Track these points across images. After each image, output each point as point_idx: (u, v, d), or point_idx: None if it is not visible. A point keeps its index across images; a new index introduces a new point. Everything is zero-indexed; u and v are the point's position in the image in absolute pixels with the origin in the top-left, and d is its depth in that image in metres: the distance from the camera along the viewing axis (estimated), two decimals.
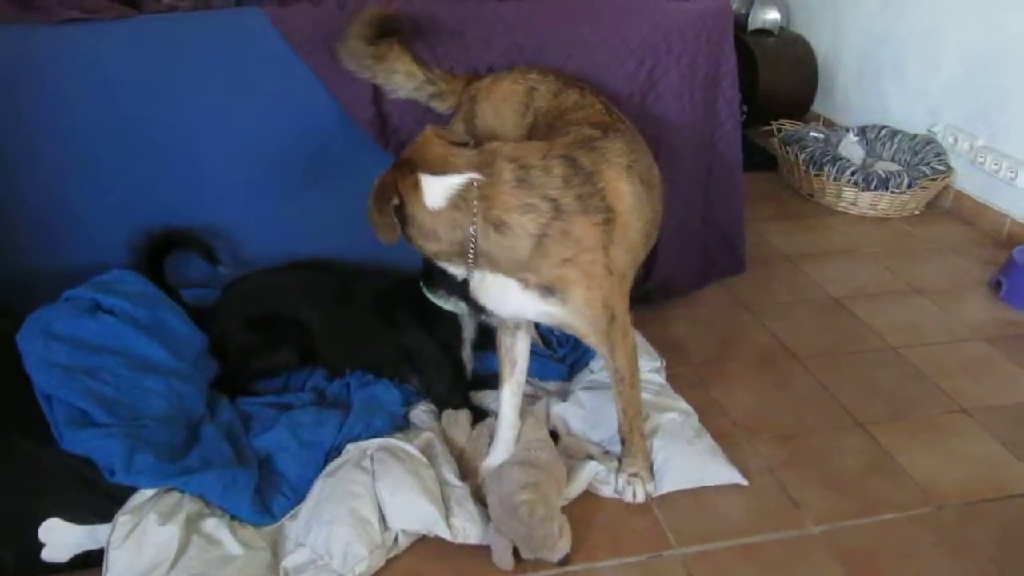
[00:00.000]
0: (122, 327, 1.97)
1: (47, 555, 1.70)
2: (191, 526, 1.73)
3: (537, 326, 2.31)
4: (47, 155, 2.15)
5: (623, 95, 2.28)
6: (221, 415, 2.03)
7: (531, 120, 1.97)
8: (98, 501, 1.74)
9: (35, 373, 1.86)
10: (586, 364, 2.34)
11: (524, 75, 2.04)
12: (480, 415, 2.12)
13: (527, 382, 2.09)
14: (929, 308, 2.86)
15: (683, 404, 2.21)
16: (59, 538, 1.71)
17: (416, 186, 1.66)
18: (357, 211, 1.75)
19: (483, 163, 1.67)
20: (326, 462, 1.94)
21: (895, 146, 3.78)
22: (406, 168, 1.68)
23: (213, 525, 1.76)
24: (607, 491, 1.98)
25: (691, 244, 2.60)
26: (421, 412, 2.15)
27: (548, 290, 1.72)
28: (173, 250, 2.24)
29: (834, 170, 3.52)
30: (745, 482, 2.01)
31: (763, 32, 4.49)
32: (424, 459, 1.92)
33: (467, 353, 2.23)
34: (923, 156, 3.61)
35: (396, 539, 1.79)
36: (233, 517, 1.80)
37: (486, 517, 1.82)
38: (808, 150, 3.64)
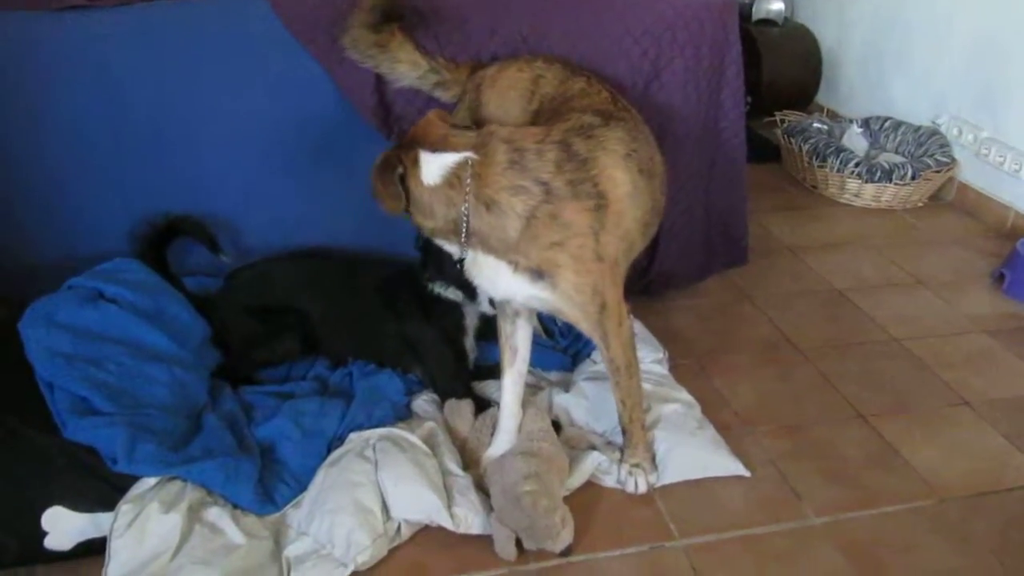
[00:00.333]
0: (124, 315, 1.97)
1: (50, 543, 1.70)
2: (193, 515, 1.73)
3: (540, 316, 2.31)
4: (49, 143, 2.14)
5: (627, 84, 2.27)
6: (223, 404, 2.03)
7: (536, 106, 1.96)
8: (101, 489, 1.74)
9: (37, 361, 1.86)
10: (588, 354, 2.33)
11: (530, 63, 2.03)
12: (483, 405, 2.12)
13: (529, 372, 2.09)
14: (932, 300, 2.85)
15: (685, 395, 2.21)
16: (62, 526, 1.71)
17: (416, 161, 1.72)
18: (360, 199, 1.76)
19: (479, 143, 1.71)
20: (328, 451, 1.94)
21: (899, 138, 3.76)
22: (408, 145, 1.74)
23: (215, 514, 1.76)
24: (609, 482, 1.98)
25: (694, 235, 2.60)
26: (423, 402, 2.15)
27: (537, 273, 1.73)
28: (175, 238, 2.23)
29: (837, 161, 3.51)
30: (747, 473, 2.01)
31: (767, 22, 4.47)
32: (427, 449, 1.92)
33: (470, 342, 2.23)
34: (927, 148, 3.60)
35: (399, 529, 1.79)
36: (235, 506, 1.80)
37: (488, 507, 1.83)
38: (811, 141, 3.63)
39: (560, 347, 2.41)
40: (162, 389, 1.90)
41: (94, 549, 1.71)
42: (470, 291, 2.06)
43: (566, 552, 1.77)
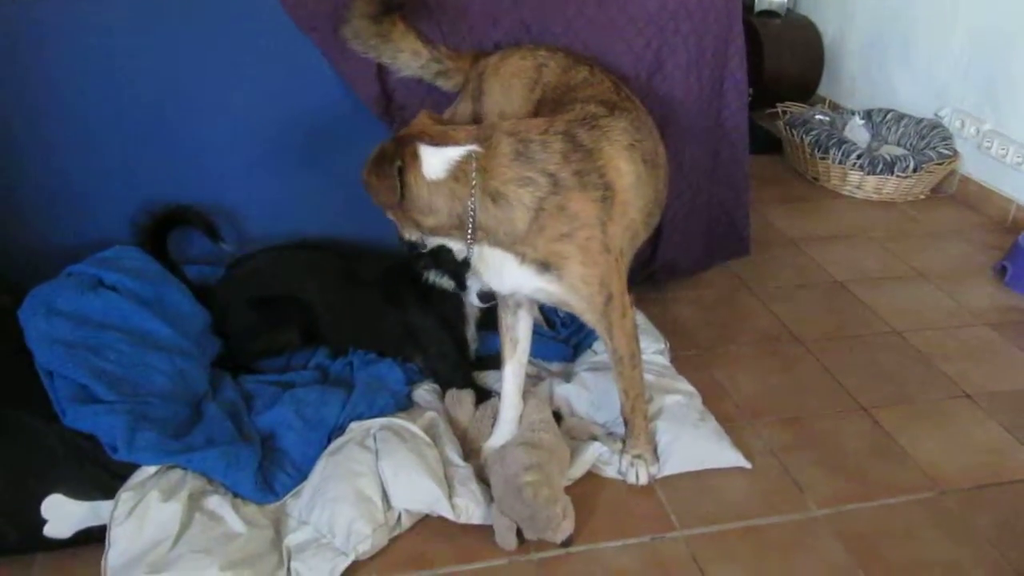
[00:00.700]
0: (125, 303, 1.96)
1: (49, 531, 1.70)
2: (194, 503, 1.73)
3: (541, 307, 2.30)
4: (49, 130, 2.14)
5: (630, 74, 2.26)
6: (224, 393, 2.03)
7: (539, 95, 1.95)
8: (101, 477, 1.74)
9: (37, 349, 1.86)
10: (590, 345, 2.33)
11: (532, 52, 2.02)
12: (484, 395, 2.12)
13: (530, 363, 2.09)
14: (933, 293, 2.85)
15: (687, 386, 2.20)
16: (62, 514, 1.71)
17: (415, 156, 1.67)
18: (362, 190, 1.74)
19: (482, 136, 1.69)
20: (329, 441, 1.94)
21: (901, 130, 3.75)
22: (405, 140, 1.70)
23: (216, 502, 1.76)
24: (610, 472, 1.98)
25: (696, 226, 2.59)
26: (424, 392, 2.14)
27: (544, 265, 1.72)
28: (176, 227, 2.22)
29: (839, 153, 3.50)
30: (748, 465, 2.01)
31: (769, 13, 4.45)
32: (427, 439, 1.92)
33: (471, 332, 2.23)
34: (929, 140, 3.59)
35: (399, 518, 1.79)
36: (236, 495, 1.80)
37: (489, 497, 1.83)
38: (813, 133, 3.62)
39: (561, 337, 2.41)
40: (162, 377, 1.89)
41: (94, 537, 1.71)
42: (461, 281, 2.05)
43: (567, 543, 1.77)
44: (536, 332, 2.06)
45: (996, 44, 3.38)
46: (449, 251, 1.80)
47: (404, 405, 2.09)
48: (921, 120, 3.70)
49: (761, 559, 1.79)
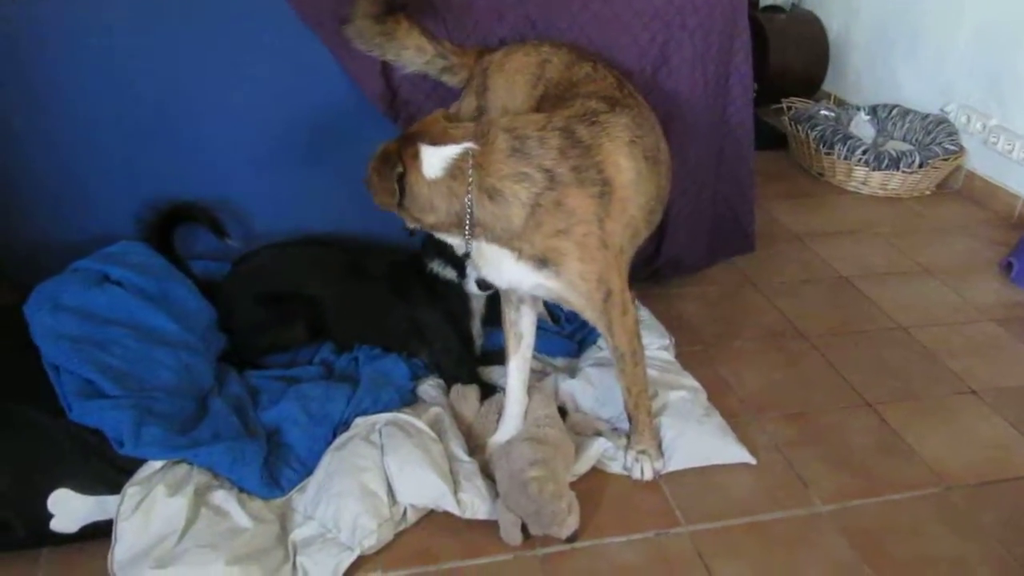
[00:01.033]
0: (130, 298, 1.96)
1: (56, 525, 1.70)
2: (200, 498, 1.73)
3: (546, 302, 2.30)
4: (53, 126, 2.14)
5: (635, 69, 2.25)
6: (229, 388, 2.03)
7: (542, 91, 1.95)
8: (107, 472, 1.74)
9: (43, 344, 1.86)
10: (594, 341, 2.33)
11: (536, 47, 2.02)
12: (489, 390, 2.12)
13: (535, 358, 2.09)
14: (939, 289, 2.84)
15: (692, 381, 2.20)
16: (68, 509, 1.71)
17: (416, 156, 1.69)
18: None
19: (479, 133, 1.69)
20: (334, 436, 1.94)
21: (907, 125, 3.74)
22: (409, 140, 1.71)
23: (222, 497, 1.76)
24: (615, 468, 1.98)
25: (701, 222, 2.59)
26: (429, 387, 2.14)
27: (542, 261, 1.72)
28: (181, 223, 2.22)
29: (845, 149, 3.50)
30: (753, 461, 2.01)
31: (774, 9, 4.45)
32: (433, 434, 1.92)
33: (476, 328, 2.23)
34: (935, 136, 3.58)
35: (404, 513, 1.79)
36: (242, 490, 1.80)
37: (494, 493, 1.83)
38: (819, 129, 3.61)
39: (566, 333, 2.40)
40: (168, 372, 1.90)
41: (100, 532, 1.71)
42: (462, 269, 2.06)
43: (572, 538, 1.77)
44: (541, 327, 2.06)
45: (1002, 39, 3.37)
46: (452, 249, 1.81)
47: (409, 400, 2.09)
48: (927, 116, 3.69)
49: (766, 555, 1.79)
